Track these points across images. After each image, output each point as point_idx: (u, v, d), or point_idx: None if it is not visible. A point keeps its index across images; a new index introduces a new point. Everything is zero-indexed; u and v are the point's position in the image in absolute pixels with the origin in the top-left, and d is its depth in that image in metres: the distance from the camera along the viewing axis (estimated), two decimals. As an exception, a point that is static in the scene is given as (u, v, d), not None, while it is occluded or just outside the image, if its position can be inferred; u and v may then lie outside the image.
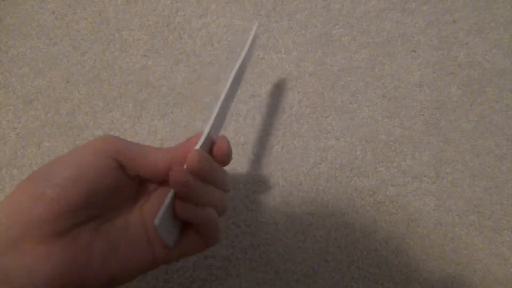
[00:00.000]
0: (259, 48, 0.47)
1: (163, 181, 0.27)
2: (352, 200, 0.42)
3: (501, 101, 0.46)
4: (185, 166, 0.25)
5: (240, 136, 0.44)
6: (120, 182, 0.24)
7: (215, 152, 0.28)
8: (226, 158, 0.28)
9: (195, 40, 0.47)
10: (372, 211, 0.42)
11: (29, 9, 0.48)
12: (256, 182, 0.42)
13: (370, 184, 0.43)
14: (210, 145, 0.29)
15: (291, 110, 0.45)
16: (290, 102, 0.45)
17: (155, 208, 0.26)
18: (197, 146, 0.26)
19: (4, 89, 0.44)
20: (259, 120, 0.44)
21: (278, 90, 0.45)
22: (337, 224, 0.41)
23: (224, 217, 0.41)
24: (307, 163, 0.43)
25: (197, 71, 0.46)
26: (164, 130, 0.43)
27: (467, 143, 0.45)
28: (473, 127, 0.45)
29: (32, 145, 0.42)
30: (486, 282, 0.40)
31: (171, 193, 0.24)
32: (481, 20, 0.49)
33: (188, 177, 0.24)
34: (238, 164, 0.43)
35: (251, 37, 0.33)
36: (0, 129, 0.43)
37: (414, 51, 0.48)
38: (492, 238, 0.41)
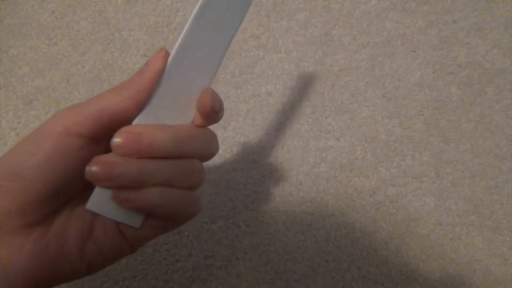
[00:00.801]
0: (259, 48, 0.47)
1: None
2: (352, 200, 0.42)
3: (501, 101, 0.46)
4: (115, 140, 0.21)
5: (240, 136, 0.44)
6: (89, 159, 0.22)
7: (198, 108, 0.24)
8: (210, 113, 0.23)
9: (195, 40, 0.47)
10: (372, 211, 0.42)
11: (29, 9, 0.48)
12: (256, 182, 0.42)
13: (370, 184, 0.43)
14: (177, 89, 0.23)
15: (291, 110, 0.45)
16: (290, 102, 0.45)
17: None
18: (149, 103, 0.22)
19: (4, 89, 0.44)
20: (259, 120, 0.44)
21: (278, 90, 0.45)
22: (337, 224, 0.41)
23: (224, 217, 0.41)
24: (307, 163, 0.43)
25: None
26: (164, 130, 0.43)
27: (467, 143, 0.45)
28: (473, 127, 0.45)
29: (32, 145, 0.42)
30: (486, 282, 0.40)
31: None
32: (481, 20, 0.49)
33: (109, 170, 0.21)
34: (238, 164, 0.43)
35: None
36: (0, 129, 0.43)
37: (414, 51, 0.48)
38: (492, 238, 0.41)
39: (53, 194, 0.21)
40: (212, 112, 0.23)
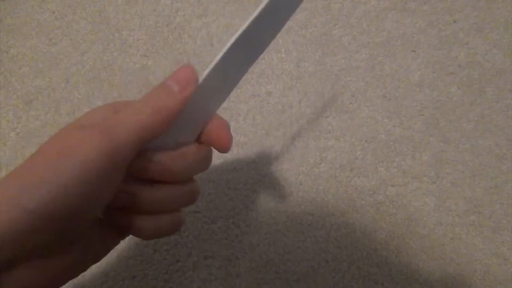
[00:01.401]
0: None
1: None
2: (352, 200, 0.42)
3: (501, 101, 0.46)
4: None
5: (240, 136, 0.44)
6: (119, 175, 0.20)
7: (214, 141, 0.23)
8: (226, 149, 0.24)
9: (195, 40, 0.47)
10: (372, 211, 0.42)
11: (29, 9, 0.48)
12: (256, 182, 0.42)
13: (370, 184, 0.43)
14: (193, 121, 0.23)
15: (291, 110, 0.45)
16: (290, 102, 0.45)
17: None
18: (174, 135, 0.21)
19: (4, 89, 0.44)
20: (259, 120, 0.44)
21: (278, 90, 0.45)
22: (337, 224, 0.41)
23: (224, 217, 0.41)
24: (307, 163, 0.43)
25: (197, 71, 0.46)
26: (164, 130, 0.43)
27: (467, 143, 0.45)
28: (473, 127, 0.45)
29: (32, 145, 0.42)
30: (486, 282, 0.40)
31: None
32: (481, 20, 0.49)
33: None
34: (238, 164, 0.43)
35: None
36: (0, 129, 0.43)
37: (414, 51, 0.48)
38: (492, 238, 0.41)
39: (57, 232, 0.19)
40: (228, 148, 0.24)
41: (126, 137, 0.19)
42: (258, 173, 0.42)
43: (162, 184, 0.22)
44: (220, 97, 0.24)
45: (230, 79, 0.24)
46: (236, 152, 0.43)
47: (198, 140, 0.24)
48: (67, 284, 0.23)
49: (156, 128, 0.20)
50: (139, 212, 0.22)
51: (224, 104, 0.44)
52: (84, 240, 0.21)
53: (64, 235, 0.19)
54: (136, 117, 0.20)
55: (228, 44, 0.23)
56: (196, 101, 0.22)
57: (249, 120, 0.44)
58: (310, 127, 0.44)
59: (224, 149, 0.24)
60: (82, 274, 0.23)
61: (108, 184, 0.19)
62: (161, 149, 0.22)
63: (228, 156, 0.43)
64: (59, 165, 0.18)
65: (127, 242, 0.40)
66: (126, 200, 0.22)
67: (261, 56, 0.50)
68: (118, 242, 0.25)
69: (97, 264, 0.24)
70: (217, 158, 0.43)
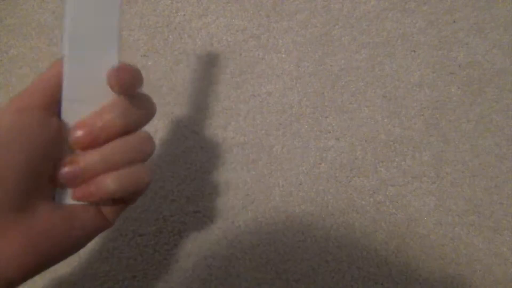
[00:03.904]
0: (259, 48, 0.47)
1: None
2: (352, 200, 0.42)
3: (501, 101, 0.46)
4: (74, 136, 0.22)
5: (240, 136, 0.44)
6: (51, 133, 0.22)
7: (113, 81, 0.23)
8: (123, 90, 0.23)
9: (195, 40, 0.47)
10: (372, 211, 0.42)
11: (29, 9, 0.48)
12: (256, 182, 0.42)
13: (370, 184, 0.43)
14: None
15: (291, 110, 0.45)
16: (290, 102, 0.45)
17: None
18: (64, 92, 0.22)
19: (4, 89, 0.44)
20: (259, 120, 0.44)
21: (278, 90, 0.45)
22: (337, 224, 0.41)
23: (224, 217, 0.41)
24: (307, 163, 0.43)
25: (197, 71, 0.46)
26: (164, 130, 0.43)
27: (467, 143, 0.45)
28: (473, 127, 0.45)
29: (32, 145, 0.42)
30: (486, 282, 0.40)
31: None
32: (481, 20, 0.49)
33: (76, 170, 0.22)
34: (238, 164, 0.43)
35: None
36: (0, 129, 0.43)
37: (414, 51, 0.48)
38: (492, 238, 0.41)
39: (26, 173, 0.20)
40: (124, 89, 0.23)
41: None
42: (258, 173, 0.42)
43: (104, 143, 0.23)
44: (105, 49, 0.23)
45: (101, 28, 0.23)
46: (236, 152, 0.43)
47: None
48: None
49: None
50: (95, 175, 0.23)
51: (224, 104, 0.45)
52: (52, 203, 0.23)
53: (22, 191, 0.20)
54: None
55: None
56: (73, 58, 0.23)
57: (249, 120, 0.44)
58: (310, 127, 0.44)
59: (119, 90, 0.23)
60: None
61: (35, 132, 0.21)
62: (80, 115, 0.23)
63: (228, 156, 0.43)
64: None
65: (127, 242, 0.40)
66: (73, 168, 0.22)
67: (261, 56, 0.50)
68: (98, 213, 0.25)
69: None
70: (217, 158, 0.43)
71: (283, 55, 0.47)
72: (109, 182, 0.23)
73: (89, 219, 0.24)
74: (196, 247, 0.40)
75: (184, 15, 0.48)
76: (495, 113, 0.46)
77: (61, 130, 0.22)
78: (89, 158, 0.22)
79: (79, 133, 0.22)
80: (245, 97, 0.45)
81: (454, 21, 0.49)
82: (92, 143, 0.22)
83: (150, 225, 0.40)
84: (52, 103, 0.22)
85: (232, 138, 0.43)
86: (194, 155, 0.43)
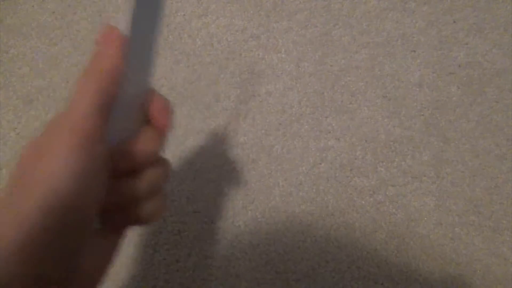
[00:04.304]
0: (259, 48, 0.47)
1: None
2: (352, 200, 0.42)
3: (501, 101, 0.46)
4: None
5: (240, 136, 0.44)
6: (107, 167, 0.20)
7: (155, 123, 0.22)
8: (168, 125, 0.22)
9: (195, 40, 0.47)
10: (372, 211, 0.42)
11: (29, 9, 0.48)
12: (256, 182, 0.42)
13: (370, 184, 0.43)
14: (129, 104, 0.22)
15: (291, 110, 0.45)
16: (290, 102, 0.45)
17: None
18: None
19: (4, 89, 0.44)
20: (259, 120, 0.44)
21: (278, 90, 0.45)
22: (337, 224, 0.41)
23: (224, 217, 0.41)
24: (307, 163, 0.43)
25: (197, 71, 0.46)
26: (164, 130, 0.43)
27: (467, 143, 0.45)
28: (473, 127, 0.45)
29: (32, 145, 0.42)
30: (486, 282, 0.40)
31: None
32: (481, 20, 0.49)
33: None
34: (238, 164, 0.43)
35: None
36: (0, 129, 0.43)
37: (414, 51, 0.48)
38: (492, 238, 0.41)
39: (90, 215, 0.19)
40: (167, 129, 0.23)
41: (83, 113, 0.19)
42: (258, 173, 0.42)
43: (140, 173, 0.22)
44: (144, 71, 0.23)
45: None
46: (236, 152, 0.43)
47: (149, 122, 0.24)
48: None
49: (106, 90, 0.20)
50: (130, 206, 0.23)
51: (224, 104, 0.45)
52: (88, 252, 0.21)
53: (68, 249, 0.18)
54: (83, 93, 0.20)
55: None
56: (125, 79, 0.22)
57: (249, 120, 0.44)
58: (310, 127, 0.44)
59: (162, 132, 0.23)
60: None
61: (94, 173, 0.19)
62: (121, 145, 0.22)
63: (228, 156, 0.43)
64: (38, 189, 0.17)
65: (127, 243, 0.40)
66: (116, 198, 0.22)
67: (261, 56, 0.50)
68: (117, 245, 0.25)
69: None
70: (217, 158, 0.43)
71: (283, 55, 0.47)
72: (141, 214, 0.23)
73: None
74: (196, 247, 0.40)
75: (184, 15, 0.48)
76: (495, 113, 0.46)
77: (109, 161, 0.20)
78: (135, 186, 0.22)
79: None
80: (245, 97, 0.45)
81: (454, 21, 0.49)
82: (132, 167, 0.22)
83: (150, 225, 0.40)
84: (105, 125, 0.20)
85: (232, 138, 0.43)
86: (194, 155, 0.43)
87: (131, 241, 0.40)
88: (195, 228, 0.41)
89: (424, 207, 0.42)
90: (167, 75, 0.45)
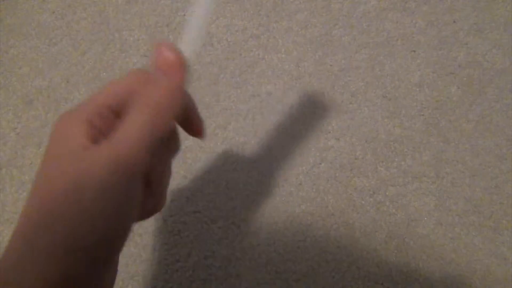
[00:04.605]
0: (259, 48, 0.47)
1: None
2: (352, 200, 0.42)
3: (501, 101, 0.46)
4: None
5: (240, 136, 0.44)
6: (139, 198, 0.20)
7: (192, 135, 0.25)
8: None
9: (195, 40, 0.47)
10: (372, 211, 0.42)
11: (29, 9, 0.48)
12: (256, 182, 0.42)
13: (370, 184, 0.43)
14: None
15: (291, 110, 0.45)
16: (290, 102, 0.45)
17: None
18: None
19: (4, 89, 0.44)
20: (259, 120, 0.44)
21: (278, 90, 0.45)
22: (337, 224, 0.41)
23: (224, 217, 0.41)
24: (307, 163, 0.43)
25: (197, 71, 0.46)
26: (164, 130, 0.43)
27: (467, 143, 0.45)
28: (473, 127, 0.45)
29: (32, 145, 0.42)
30: (486, 282, 0.40)
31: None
32: (481, 20, 0.49)
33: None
34: (238, 164, 0.43)
35: None
36: (0, 129, 0.43)
37: (414, 51, 0.48)
38: (492, 238, 0.41)
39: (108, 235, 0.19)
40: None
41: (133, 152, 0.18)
42: (258, 173, 0.42)
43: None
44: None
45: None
46: (236, 152, 0.43)
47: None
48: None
49: (161, 128, 0.19)
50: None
51: (224, 104, 0.45)
52: None
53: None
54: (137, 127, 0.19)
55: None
56: None
57: (249, 120, 0.44)
58: (310, 127, 0.44)
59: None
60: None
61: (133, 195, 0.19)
62: None
63: (228, 156, 0.43)
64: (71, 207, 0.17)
65: (126, 242, 0.40)
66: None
67: (261, 56, 0.50)
68: None
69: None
70: (217, 158, 0.43)
71: (283, 55, 0.47)
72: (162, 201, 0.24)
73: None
74: (196, 247, 0.40)
75: (184, 15, 0.48)
76: (495, 113, 0.46)
77: (142, 195, 0.20)
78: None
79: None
80: (245, 97, 0.45)
81: (454, 21, 0.49)
82: None
83: (150, 225, 0.40)
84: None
85: (232, 138, 0.43)
86: (194, 155, 0.43)
87: (131, 241, 0.40)
88: (195, 228, 0.41)
89: (424, 207, 0.42)
90: (167, 75, 0.45)
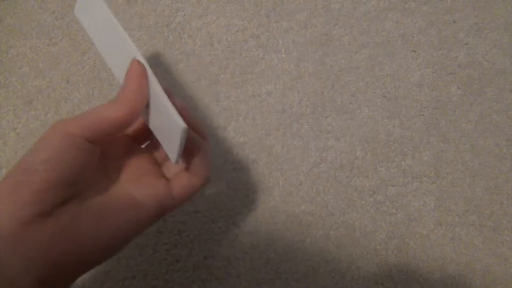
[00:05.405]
0: (259, 48, 0.47)
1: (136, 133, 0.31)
2: (352, 200, 0.42)
3: (501, 101, 0.46)
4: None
5: (240, 136, 0.44)
6: (90, 157, 0.25)
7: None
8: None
9: (195, 40, 0.47)
10: (372, 211, 0.42)
11: (29, 9, 0.48)
12: (256, 182, 0.42)
13: (370, 184, 0.43)
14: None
15: (291, 110, 0.45)
16: (290, 102, 0.45)
17: (134, 168, 0.29)
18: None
19: (4, 89, 0.44)
20: (259, 120, 0.44)
21: (278, 90, 0.45)
22: (337, 224, 0.41)
23: (224, 217, 0.41)
24: (307, 163, 0.43)
25: (197, 71, 0.46)
26: (164, 130, 0.43)
27: (467, 143, 0.45)
28: (473, 127, 0.45)
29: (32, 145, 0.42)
30: (486, 282, 0.40)
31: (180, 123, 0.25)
32: (481, 20, 0.49)
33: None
34: (238, 164, 0.43)
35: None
36: (0, 129, 0.43)
37: (414, 51, 0.48)
38: (492, 238, 0.42)
39: (62, 184, 0.23)
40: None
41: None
42: (258, 173, 0.43)
43: None
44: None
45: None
46: (236, 152, 0.43)
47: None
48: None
49: (117, 112, 0.25)
50: None
51: (224, 104, 0.45)
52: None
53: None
54: (99, 107, 0.26)
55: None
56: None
57: (249, 120, 0.44)
58: (310, 127, 0.44)
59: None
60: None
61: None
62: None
63: (228, 156, 0.43)
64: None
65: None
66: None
67: (261, 56, 0.50)
68: None
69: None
70: (217, 158, 0.43)
71: (283, 55, 0.47)
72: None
73: (122, 217, 0.25)
74: (196, 247, 0.40)
75: (184, 15, 0.48)
76: (495, 113, 0.46)
77: (90, 156, 0.25)
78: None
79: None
80: (245, 97, 0.45)
81: (454, 21, 0.49)
82: None
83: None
84: (100, 138, 0.25)
85: (232, 138, 0.43)
86: (194, 155, 0.43)
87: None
88: (195, 228, 0.41)
89: (424, 207, 0.42)
90: (167, 75, 0.45)
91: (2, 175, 0.41)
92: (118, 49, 0.28)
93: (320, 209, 0.42)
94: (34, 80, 0.45)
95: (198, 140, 0.28)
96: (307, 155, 0.43)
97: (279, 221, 0.41)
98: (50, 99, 0.44)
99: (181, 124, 0.24)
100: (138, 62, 0.26)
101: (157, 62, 0.46)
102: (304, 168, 0.43)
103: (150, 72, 0.26)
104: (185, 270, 0.39)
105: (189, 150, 0.27)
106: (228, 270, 0.39)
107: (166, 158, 0.31)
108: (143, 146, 0.32)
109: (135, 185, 0.28)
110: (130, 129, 0.31)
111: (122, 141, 0.30)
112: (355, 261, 0.40)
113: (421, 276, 0.40)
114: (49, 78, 0.45)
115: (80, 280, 0.37)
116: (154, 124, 0.28)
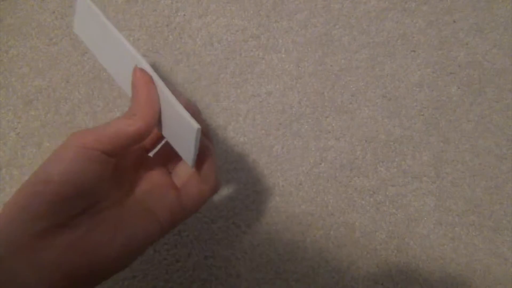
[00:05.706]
0: (259, 48, 0.47)
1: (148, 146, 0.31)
2: (352, 200, 0.42)
3: (501, 101, 0.46)
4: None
5: (240, 136, 0.44)
6: (105, 169, 0.25)
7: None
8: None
9: (195, 40, 0.47)
10: (372, 211, 0.42)
11: (29, 9, 0.48)
12: (256, 182, 0.42)
13: (370, 184, 0.43)
14: None
15: (291, 110, 0.45)
16: (290, 102, 0.45)
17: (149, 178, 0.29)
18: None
19: (4, 89, 0.44)
20: (259, 120, 0.44)
21: (278, 90, 0.45)
22: (337, 224, 0.41)
23: (224, 217, 0.41)
24: (307, 163, 0.43)
25: (197, 71, 0.46)
26: (164, 130, 0.43)
27: (467, 143, 0.45)
28: (473, 127, 0.45)
29: (32, 145, 0.42)
30: (486, 282, 0.40)
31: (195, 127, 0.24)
32: (481, 20, 0.49)
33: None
34: (238, 164, 0.43)
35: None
36: (0, 129, 0.43)
37: (414, 51, 0.48)
38: (492, 238, 0.42)
39: (77, 196, 0.23)
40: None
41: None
42: (258, 173, 0.43)
43: None
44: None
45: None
46: (236, 152, 0.43)
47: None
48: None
49: (132, 125, 0.25)
50: None
51: (224, 104, 0.45)
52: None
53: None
54: (115, 121, 0.25)
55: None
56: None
57: (249, 120, 0.44)
58: (310, 127, 0.44)
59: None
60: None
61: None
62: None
63: (228, 156, 0.43)
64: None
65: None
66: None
67: (261, 56, 0.50)
68: None
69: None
70: (217, 158, 0.43)
71: (283, 55, 0.47)
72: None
73: (137, 227, 0.25)
74: (196, 247, 0.40)
75: (184, 15, 0.48)
76: (495, 113, 0.46)
77: (105, 168, 0.25)
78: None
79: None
80: (245, 97, 0.45)
81: (454, 21, 0.49)
82: None
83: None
84: (116, 151, 0.25)
85: (232, 138, 0.43)
86: (194, 155, 0.43)
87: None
88: (195, 228, 0.41)
89: (424, 207, 0.42)
90: (167, 75, 0.45)
91: (2, 175, 0.41)
92: (122, 61, 0.27)
93: (320, 209, 0.42)
94: (34, 80, 0.45)
95: (207, 144, 0.28)
96: (307, 155, 0.43)
97: (279, 221, 0.41)
98: (50, 99, 0.44)
99: (194, 124, 0.24)
100: (141, 70, 0.26)
101: (157, 62, 0.46)
102: (304, 168, 0.43)
103: (156, 77, 0.26)
104: (185, 270, 0.39)
105: (198, 156, 0.27)
106: (228, 270, 0.39)
107: (175, 165, 0.30)
108: (150, 155, 0.31)
109: (148, 196, 0.27)
110: None
111: (135, 152, 0.30)
112: (355, 261, 0.40)
113: (421, 276, 0.40)
114: (49, 78, 0.45)
115: (80, 280, 0.37)
116: (166, 130, 0.27)
